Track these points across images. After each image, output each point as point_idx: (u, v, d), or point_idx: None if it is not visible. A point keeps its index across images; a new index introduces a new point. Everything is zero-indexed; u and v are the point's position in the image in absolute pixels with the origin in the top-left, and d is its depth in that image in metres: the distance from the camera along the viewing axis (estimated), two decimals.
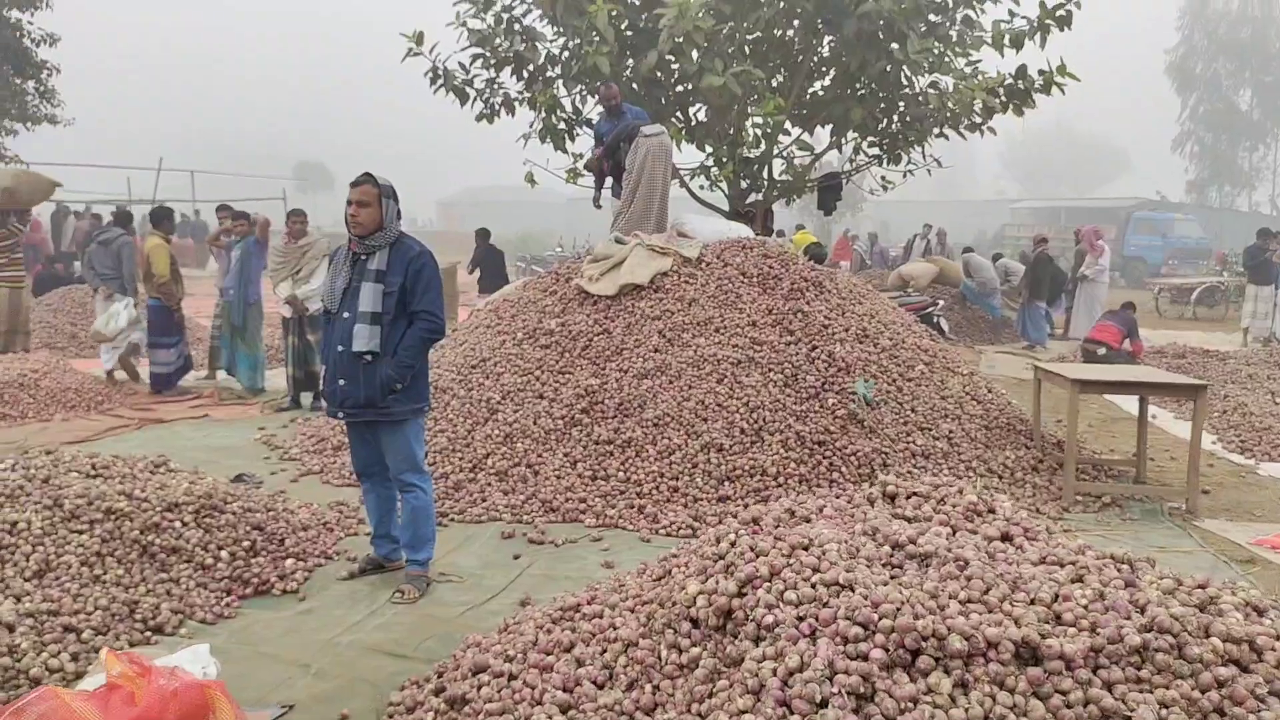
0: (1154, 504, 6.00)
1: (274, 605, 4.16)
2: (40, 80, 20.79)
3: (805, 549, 2.71)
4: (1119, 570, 2.69)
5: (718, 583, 2.66)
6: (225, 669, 3.46)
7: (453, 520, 5.40)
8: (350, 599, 4.23)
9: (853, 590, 2.46)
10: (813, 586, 2.50)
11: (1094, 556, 2.82)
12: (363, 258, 4.22)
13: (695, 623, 2.66)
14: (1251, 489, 6.61)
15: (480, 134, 12.75)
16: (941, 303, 14.12)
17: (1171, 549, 5.22)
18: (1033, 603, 2.46)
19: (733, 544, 2.86)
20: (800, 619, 2.41)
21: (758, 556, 2.73)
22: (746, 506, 5.36)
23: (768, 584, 2.57)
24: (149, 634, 3.72)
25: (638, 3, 11.78)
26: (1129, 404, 9.29)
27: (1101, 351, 10.94)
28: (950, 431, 6.31)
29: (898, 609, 2.32)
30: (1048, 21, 10.65)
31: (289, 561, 4.46)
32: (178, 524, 4.28)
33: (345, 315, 4.17)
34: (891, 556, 2.75)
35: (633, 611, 3.01)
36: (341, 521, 5.17)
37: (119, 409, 8.35)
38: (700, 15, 10.01)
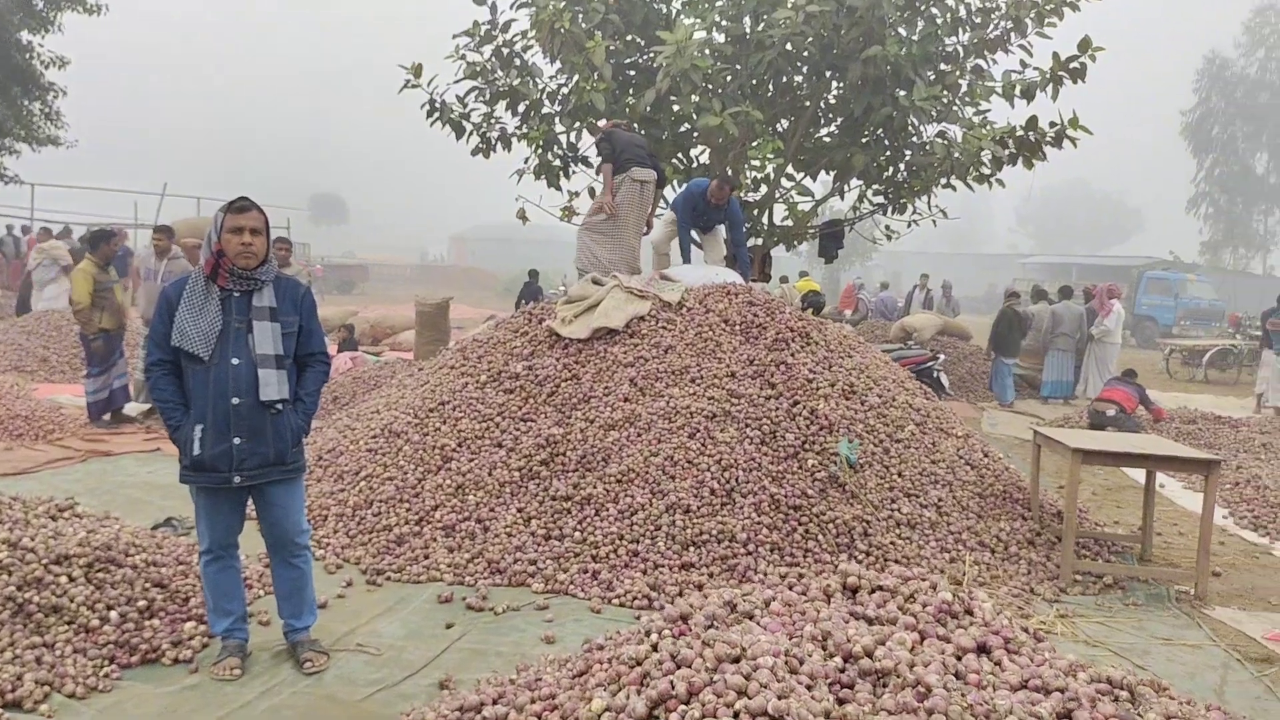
0: (1160, 587, 5.50)
1: (159, 677, 3.68)
2: (46, 102, 20.74)
3: (735, 661, 2.24)
4: (1116, 701, 2.21)
5: (627, 699, 2.19)
6: None
7: (388, 579, 4.93)
8: (246, 673, 3.75)
9: None
10: (735, 715, 2.03)
11: (1086, 680, 2.34)
12: (236, 294, 3.68)
13: None
14: (1266, 572, 6.10)
15: (493, 169, 12.47)
16: (943, 357, 13.66)
17: (1177, 642, 4.72)
18: None
19: (654, 648, 2.40)
20: None
21: (679, 667, 2.26)
22: (710, 576, 4.93)
23: (684, 707, 2.10)
24: (2, 710, 3.25)
25: (641, 41, 11.54)
26: (1136, 471, 8.79)
27: (1111, 412, 10.44)
28: (940, 499, 5.83)
29: None
30: (1060, 73, 10.31)
31: (189, 625, 3.98)
32: (64, 579, 3.83)
33: (235, 361, 3.62)
34: (842, 672, 2.28)
35: (538, 718, 2.54)
36: (263, 577, 4.69)
37: (67, 440, 7.92)
38: (699, 55, 9.73)
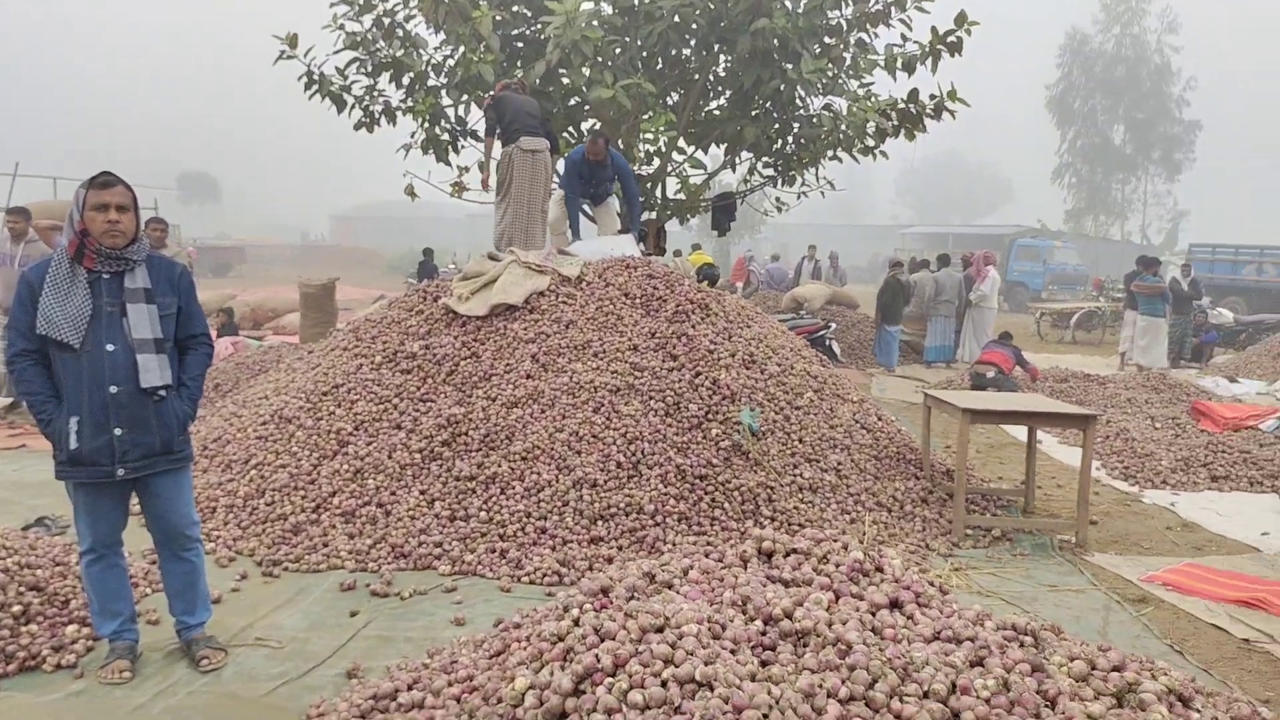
0: (1044, 537, 5.79)
1: (41, 685, 3.44)
2: None
3: (659, 631, 2.23)
4: (1023, 646, 2.30)
5: (551, 675, 2.16)
6: None
7: (286, 569, 4.74)
8: (137, 675, 3.54)
9: (712, 689, 1.99)
10: (664, 684, 2.03)
11: (994, 627, 2.43)
12: (106, 276, 3.43)
13: None
14: (1138, 518, 6.49)
15: (377, 145, 12.02)
16: (834, 325, 14.01)
17: (1063, 588, 4.98)
18: (926, 696, 2.04)
19: (575, 622, 2.37)
20: None
21: (602, 640, 2.23)
22: (620, 549, 4.93)
23: (611, 679, 2.08)
24: None
25: (528, 12, 11.33)
26: (1015, 428, 9.23)
27: (991, 374, 10.93)
28: (839, 463, 5.98)
29: (765, 716, 1.86)
30: (939, 47, 10.63)
31: (70, 628, 3.74)
32: None
33: (111, 347, 3.38)
34: (764, 635, 2.30)
35: (458, 701, 2.48)
36: (149, 574, 4.44)
37: None
38: (588, 26, 9.61)
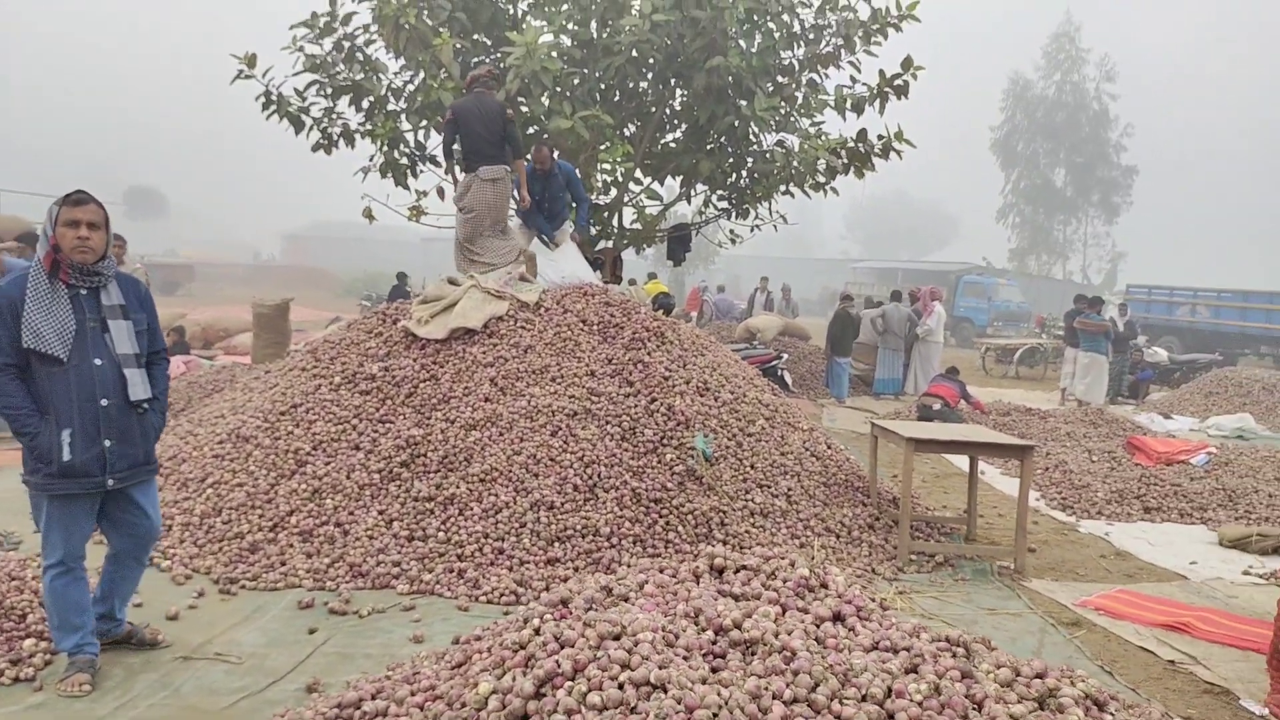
0: (984, 563, 6.02)
1: None
2: None
3: (616, 639, 2.37)
4: (954, 656, 2.47)
5: (514, 680, 2.28)
6: None
7: (243, 588, 4.77)
8: (97, 688, 3.57)
9: (665, 691, 2.13)
10: (620, 687, 2.16)
11: (929, 639, 2.60)
12: (83, 292, 3.56)
13: None
14: (1074, 546, 6.76)
15: (333, 165, 12.06)
16: (786, 356, 14.30)
17: (1001, 611, 5.19)
18: (864, 699, 2.20)
19: (536, 631, 2.49)
20: None
21: (562, 648, 2.36)
22: (576, 570, 5.04)
23: (570, 683, 2.21)
24: None
25: (488, 41, 11.52)
26: (959, 459, 9.53)
27: (937, 406, 11.26)
28: (789, 489, 6.16)
29: (714, 715, 2.00)
30: (886, 90, 11.04)
31: (28, 642, 3.75)
32: None
33: (98, 361, 3.51)
34: (714, 644, 2.44)
35: (421, 709, 2.57)
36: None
37: None
38: (548, 57, 9.82)
